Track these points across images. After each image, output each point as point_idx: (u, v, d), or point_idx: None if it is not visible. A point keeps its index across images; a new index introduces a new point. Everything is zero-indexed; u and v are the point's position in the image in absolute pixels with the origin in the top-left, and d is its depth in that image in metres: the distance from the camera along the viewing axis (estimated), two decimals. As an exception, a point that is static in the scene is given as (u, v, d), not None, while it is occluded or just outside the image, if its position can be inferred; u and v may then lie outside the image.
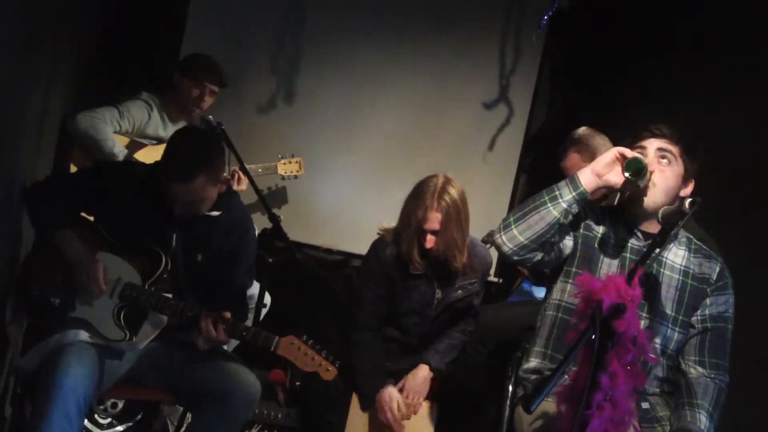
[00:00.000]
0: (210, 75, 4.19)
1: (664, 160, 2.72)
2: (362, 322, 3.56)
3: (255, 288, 3.47)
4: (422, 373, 3.59)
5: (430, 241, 3.45)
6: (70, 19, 3.63)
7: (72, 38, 3.74)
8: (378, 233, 3.66)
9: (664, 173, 2.72)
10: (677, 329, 2.78)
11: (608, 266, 2.78)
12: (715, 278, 2.81)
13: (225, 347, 3.65)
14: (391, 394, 3.50)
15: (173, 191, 2.97)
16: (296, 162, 4.56)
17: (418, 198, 3.46)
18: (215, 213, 3.14)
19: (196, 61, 4.22)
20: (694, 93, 4.09)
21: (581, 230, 2.83)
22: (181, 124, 4.23)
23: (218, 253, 3.18)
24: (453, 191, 3.45)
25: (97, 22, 4.27)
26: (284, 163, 4.53)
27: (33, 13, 3.03)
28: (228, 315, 3.00)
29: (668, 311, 2.77)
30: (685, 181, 2.77)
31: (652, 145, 2.74)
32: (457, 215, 3.45)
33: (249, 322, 3.56)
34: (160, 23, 4.58)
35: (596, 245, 2.80)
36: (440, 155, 4.88)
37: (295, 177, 4.59)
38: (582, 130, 4.02)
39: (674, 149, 2.73)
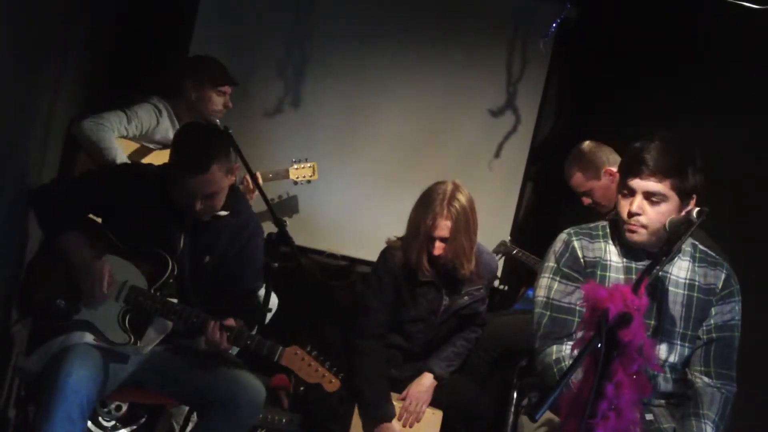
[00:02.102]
0: (228, 80, 4.10)
1: (654, 202, 2.63)
2: (367, 330, 3.55)
3: (261, 290, 3.47)
4: (426, 381, 3.58)
5: (438, 248, 3.44)
6: (79, 23, 3.64)
7: (80, 42, 3.75)
8: (386, 243, 3.65)
9: (656, 211, 2.63)
10: (686, 344, 2.76)
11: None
12: (720, 286, 2.78)
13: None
14: (391, 429, 3.49)
15: (190, 187, 2.96)
16: (310, 167, 4.48)
17: (426, 205, 3.44)
18: (223, 213, 3.14)
19: (211, 68, 4.10)
20: (700, 103, 4.09)
21: (586, 270, 2.78)
22: None
23: (226, 254, 3.18)
24: (462, 198, 3.44)
25: (105, 27, 4.28)
26: (297, 168, 4.47)
27: (41, 17, 3.03)
28: (231, 322, 2.99)
29: (675, 327, 2.74)
30: (683, 204, 2.65)
31: (639, 187, 2.62)
32: (466, 223, 3.44)
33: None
34: (168, 29, 4.59)
35: (604, 272, 2.76)
36: (446, 162, 4.88)
37: (308, 182, 4.52)
38: (585, 145, 3.97)
39: (662, 187, 2.61)
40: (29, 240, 3.27)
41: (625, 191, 2.67)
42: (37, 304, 3.04)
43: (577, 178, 3.94)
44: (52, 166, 3.75)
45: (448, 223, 3.41)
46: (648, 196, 2.63)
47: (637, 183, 2.63)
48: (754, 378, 3.20)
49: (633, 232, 2.67)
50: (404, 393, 3.58)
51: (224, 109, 4.10)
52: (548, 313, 2.75)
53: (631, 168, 2.65)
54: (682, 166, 2.63)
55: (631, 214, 2.64)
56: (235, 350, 3.82)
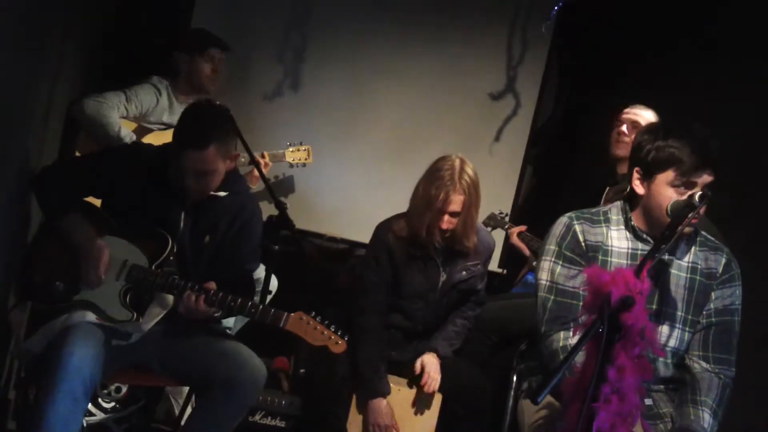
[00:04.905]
0: (216, 44, 4.22)
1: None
2: (367, 307, 3.56)
3: (261, 271, 3.47)
4: (435, 359, 3.58)
5: (447, 222, 3.44)
6: (78, 7, 3.63)
7: (79, 26, 3.73)
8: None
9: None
10: (687, 329, 2.75)
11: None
12: (720, 271, 2.78)
13: (228, 330, 3.67)
14: (386, 408, 3.50)
15: (185, 161, 2.97)
16: (305, 150, 4.53)
17: (437, 180, 3.43)
18: (222, 194, 3.14)
19: (197, 37, 4.25)
20: (701, 87, 4.09)
21: (588, 254, 2.76)
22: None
23: (226, 234, 3.18)
24: (470, 171, 3.46)
25: (104, 11, 4.27)
26: (292, 151, 4.51)
27: (41, 5, 3.02)
28: (212, 285, 2.99)
29: (678, 312, 2.74)
30: None
31: (703, 181, 2.62)
32: (476, 196, 3.47)
33: None
34: (167, 12, 4.57)
35: (606, 257, 2.76)
36: (446, 146, 4.83)
37: (304, 165, 4.57)
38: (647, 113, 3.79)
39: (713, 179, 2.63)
40: (30, 224, 3.26)
41: (682, 186, 2.62)
42: (38, 286, 3.03)
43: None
44: (53, 151, 3.75)
45: (461, 197, 3.41)
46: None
47: (704, 178, 2.62)
48: (757, 367, 3.22)
49: (694, 224, 2.68)
50: (417, 367, 3.56)
51: (214, 75, 4.20)
52: (552, 297, 2.74)
53: (700, 164, 2.60)
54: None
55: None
56: (237, 327, 3.84)
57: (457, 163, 3.45)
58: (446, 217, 3.44)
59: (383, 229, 3.61)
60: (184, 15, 4.65)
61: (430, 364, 3.56)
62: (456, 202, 3.42)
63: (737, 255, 2.87)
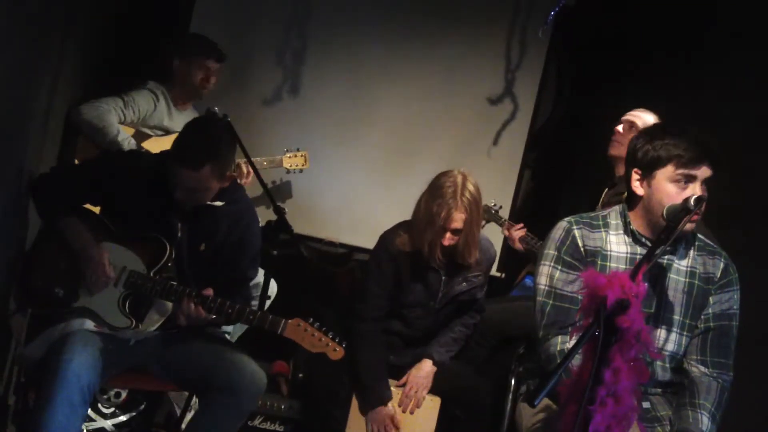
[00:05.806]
0: (209, 54, 4.19)
1: (704, 189, 2.64)
2: (365, 313, 3.56)
3: (260, 276, 3.47)
4: (426, 367, 3.60)
5: (449, 239, 3.45)
6: (78, 11, 3.64)
7: (79, 31, 3.74)
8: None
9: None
10: (685, 333, 2.75)
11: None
12: (719, 275, 2.78)
13: (228, 336, 3.66)
14: (387, 414, 3.51)
15: (178, 176, 2.99)
16: (302, 156, 4.53)
17: (439, 197, 3.42)
18: (219, 203, 3.15)
19: (193, 44, 4.23)
20: (698, 88, 4.09)
21: (587, 259, 2.76)
22: (187, 112, 4.24)
23: (222, 244, 3.19)
24: (472, 188, 3.44)
25: (104, 15, 4.27)
26: (290, 157, 4.51)
27: (41, 5, 3.03)
28: (209, 292, 3.00)
29: (675, 315, 2.74)
30: None
31: (702, 174, 2.63)
32: (477, 213, 3.46)
33: None
34: (166, 15, 4.58)
35: (605, 262, 2.75)
36: (444, 150, 4.88)
37: (300, 171, 4.57)
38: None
39: (711, 174, 2.65)
40: (29, 229, 3.27)
41: (683, 180, 2.63)
42: (37, 292, 3.05)
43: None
44: (52, 153, 3.76)
45: (463, 216, 3.41)
46: (704, 187, 2.63)
47: (703, 170, 2.63)
48: (755, 369, 3.21)
49: (695, 221, 2.67)
50: (404, 379, 3.60)
51: (209, 84, 4.19)
52: (551, 301, 2.73)
53: (697, 153, 2.62)
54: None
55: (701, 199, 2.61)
56: (236, 335, 3.84)
57: (459, 179, 3.43)
58: (448, 235, 3.44)
59: (387, 238, 3.61)
60: (184, 15, 4.66)
61: (413, 383, 3.58)
62: (457, 220, 3.41)
63: (736, 255, 2.87)
